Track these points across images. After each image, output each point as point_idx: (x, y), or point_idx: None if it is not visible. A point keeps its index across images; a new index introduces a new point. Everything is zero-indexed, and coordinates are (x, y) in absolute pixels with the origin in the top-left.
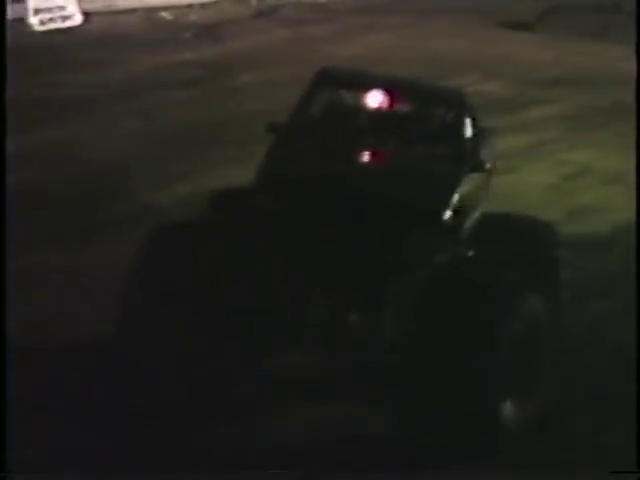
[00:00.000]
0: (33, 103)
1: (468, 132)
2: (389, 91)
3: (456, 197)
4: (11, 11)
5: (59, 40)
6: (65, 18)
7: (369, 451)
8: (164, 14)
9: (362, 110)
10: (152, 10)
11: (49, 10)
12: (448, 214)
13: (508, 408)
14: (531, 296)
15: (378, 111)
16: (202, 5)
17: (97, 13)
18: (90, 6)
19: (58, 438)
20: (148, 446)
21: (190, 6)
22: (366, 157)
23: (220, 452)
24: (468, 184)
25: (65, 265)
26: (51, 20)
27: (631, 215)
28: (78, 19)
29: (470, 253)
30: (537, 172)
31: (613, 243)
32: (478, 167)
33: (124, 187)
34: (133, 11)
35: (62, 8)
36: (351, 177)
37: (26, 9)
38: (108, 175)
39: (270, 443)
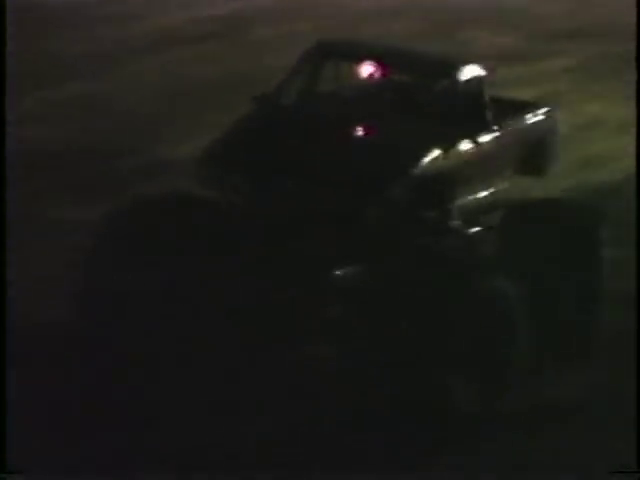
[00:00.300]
0: (55, 59)
1: (459, 104)
2: (381, 63)
3: (416, 172)
4: None
5: None
6: None
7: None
8: None
9: (353, 82)
10: None
11: None
12: (400, 191)
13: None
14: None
15: (368, 83)
16: None
17: None
18: None
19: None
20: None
21: None
22: (340, 132)
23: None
24: (451, 160)
25: (81, 219)
26: None
27: None
28: None
29: (443, 234)
30: None
31: (624, 190)
32: (470, 141)
33: (143, 141)
34: None
35: None
36: (309, 155)
37: None
38: (127, 130)
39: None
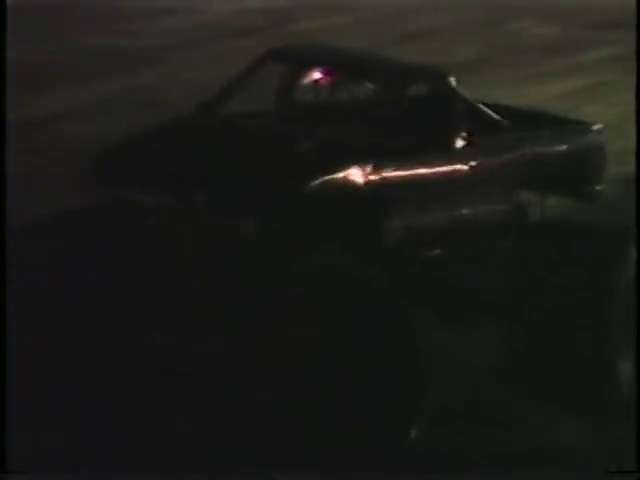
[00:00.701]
0: (99, 53)
1: (415, 117)
2: (328, 72)
3: (320, 188)
4: None
5: None
6: None
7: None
8: None
9: (296, 91)
10: None
11: None
12: (286, 207)
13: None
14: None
15: (310, 93)
16: None
17: None
18: None
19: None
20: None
21: None
22: (256, 145)
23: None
24: (386, 177)
25: None
26: None
27: None
28: None
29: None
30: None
31: None
32: (422, 157)
33: None
34: None
35: None
36: (210, 168)
37: None
38: None
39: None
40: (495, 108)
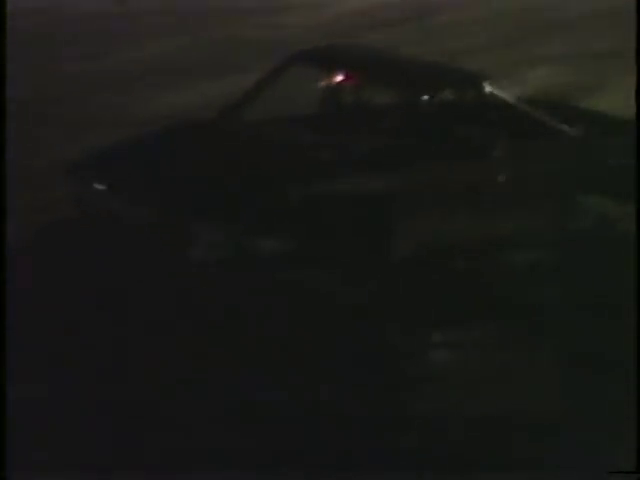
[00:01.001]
0: (239, 45)
1: (440, 125)
2: (351, 76)
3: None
4: None
5: None
6: None
7: None
8: None
9: (324, 95)
10: None
11: None
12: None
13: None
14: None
15: (340, 97)
16: None
17: None
18: None
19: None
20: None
21: None
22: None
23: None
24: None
25: None
26: None
27: None
28: None
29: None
30: None
31: None
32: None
33: None
34: None
35: None
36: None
37: None
38: None
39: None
40: (569, 111)
